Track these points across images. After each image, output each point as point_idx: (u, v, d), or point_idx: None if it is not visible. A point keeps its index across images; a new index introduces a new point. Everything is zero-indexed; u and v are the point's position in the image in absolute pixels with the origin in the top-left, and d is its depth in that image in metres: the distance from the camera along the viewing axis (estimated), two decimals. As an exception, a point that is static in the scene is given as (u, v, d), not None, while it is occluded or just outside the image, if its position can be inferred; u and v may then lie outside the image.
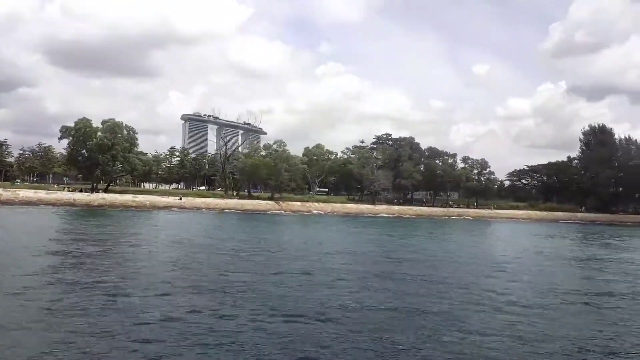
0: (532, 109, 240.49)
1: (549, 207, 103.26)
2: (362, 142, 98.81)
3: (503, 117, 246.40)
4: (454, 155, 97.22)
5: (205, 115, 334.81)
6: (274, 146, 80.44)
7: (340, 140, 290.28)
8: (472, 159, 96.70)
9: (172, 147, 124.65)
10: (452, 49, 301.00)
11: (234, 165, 79.11)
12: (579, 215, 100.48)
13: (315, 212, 75.61)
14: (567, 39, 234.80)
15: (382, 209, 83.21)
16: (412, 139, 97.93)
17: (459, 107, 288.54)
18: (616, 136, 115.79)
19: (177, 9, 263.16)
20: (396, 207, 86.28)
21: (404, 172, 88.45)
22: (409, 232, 46.44)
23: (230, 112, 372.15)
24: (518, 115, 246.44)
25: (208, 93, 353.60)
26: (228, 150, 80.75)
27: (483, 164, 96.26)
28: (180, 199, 70.10)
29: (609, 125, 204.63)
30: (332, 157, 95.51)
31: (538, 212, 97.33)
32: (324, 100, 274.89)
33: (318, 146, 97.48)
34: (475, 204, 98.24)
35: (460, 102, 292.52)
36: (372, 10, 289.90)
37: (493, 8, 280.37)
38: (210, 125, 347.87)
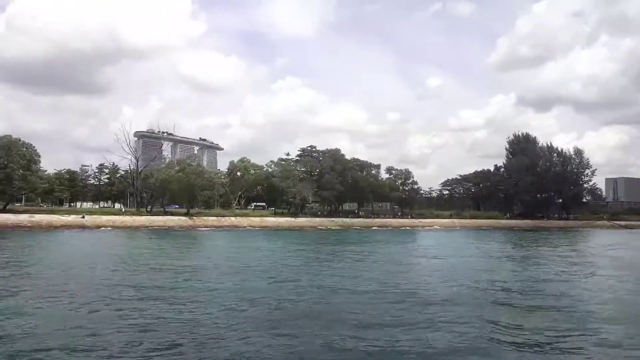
0: (484, 120, 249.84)
1: (473, 214, 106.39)
2: (287, 154, 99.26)
3: (456, 128, 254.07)
4: (377, 166, 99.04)
5: (159, 132, 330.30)
6: (188, 161, 79.57)
7: (297, 154, 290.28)
8: (396, 169, 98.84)
9: (100, 164, 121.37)
10: (404, 62, 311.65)
11: (146, 182, 77.55)
12: (503, 222, 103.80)
13: (228, 226, 74.84)
14: (512, 52, 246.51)
15: (302, 221, 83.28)
16: (337, 150, 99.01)
17: (413, 119, 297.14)
18: (540, 144, 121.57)
19: (127, 22, 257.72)
20: (317, 219, 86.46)
21: (326, 184, 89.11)
22: (311, 244, 46.40)
23: (186, 128, 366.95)
24: (471, 127, 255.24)
25: (162, 108, 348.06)
26: (142, 166, 78.96)
27: (407, 174, 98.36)
28: (83, 217, 67.86)
29: (557, 134, 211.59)
30: (257, 172, 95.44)
31: (462, 220, 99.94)
32: (280, 113, 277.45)
33: (242, 160, 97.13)
34: (400, 213, 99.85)
35: (414, 114, 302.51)
36: (325, 25, 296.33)
37: (441, 23, 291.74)
38: (165, 142, 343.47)
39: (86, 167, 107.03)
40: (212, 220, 76.84)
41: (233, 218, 79.58)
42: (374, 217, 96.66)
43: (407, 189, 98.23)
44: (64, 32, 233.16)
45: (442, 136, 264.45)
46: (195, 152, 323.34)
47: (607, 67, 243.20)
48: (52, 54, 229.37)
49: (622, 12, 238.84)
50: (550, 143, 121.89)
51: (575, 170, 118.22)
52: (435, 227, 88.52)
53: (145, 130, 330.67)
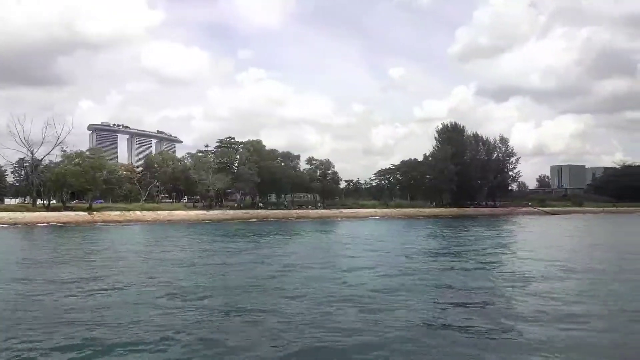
0: (447, 110, 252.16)
1: (398, 204, 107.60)
2: (206, 146, 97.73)
3: (421, 118, 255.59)
4: (297, 157, 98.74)
5: (114, 124, 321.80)
6: (87, 153, 77.06)
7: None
8: (316, 160, 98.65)
9: (20, 159, 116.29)
10: (369, 53, 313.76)
11: (44, 175, 74.64)
12: (427, 210, 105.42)
13: (132, 221, 73.02)
14: (472, 42, 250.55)
15: (214, 214, 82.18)
16: (258, 142, 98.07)
17: (378, 110, 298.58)
18: (467, 133, 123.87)
19: (82, 12, 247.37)
20: (231, 212, 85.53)
21: (242, 175, 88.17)
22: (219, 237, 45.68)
23: (148, 121, 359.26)
24: (435, 117, 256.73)
25: (122, 102, 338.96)
26: (39, 159, 75.86)
27: (327, 165, 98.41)
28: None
29: (516, 124, 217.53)
30: (174, 164, 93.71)
31: (385, 210, 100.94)
32: (246, 106, 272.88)
33: (159, 153, 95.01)
34: (321, 204, 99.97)
35: (379, 105, 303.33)
36: (288, 16, 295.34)
37: (403, 14, 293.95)
38: (120, 135, 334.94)
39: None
40: (114, 215, 74.75)
41: (139, 212, 77.60)
42: (297, 208, 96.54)
43: (328, 179, 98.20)
44: (16, 23, 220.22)
45: (406, 126, 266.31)
46: (153, 145, 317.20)
47: (563, 57, 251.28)
48: (4, 44, 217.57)
49: (576, 2, 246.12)
50: (476, 132, 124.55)
51: (500, 158, 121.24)
52: (354, 217, 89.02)
53: (100, 124, 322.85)
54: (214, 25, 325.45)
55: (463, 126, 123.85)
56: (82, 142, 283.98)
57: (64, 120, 75.12)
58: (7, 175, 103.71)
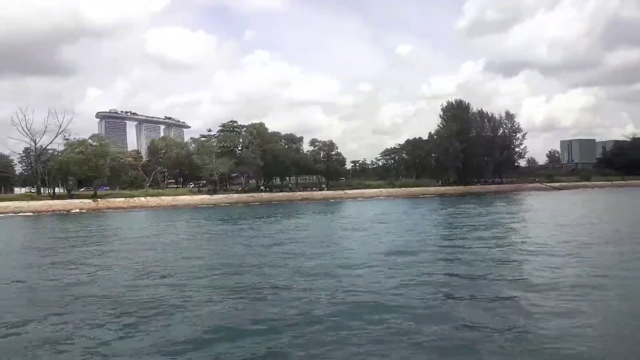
0: (456, 86, 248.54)
1: (404, 183, 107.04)
2: (209, 130, 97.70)
3: (429, 96, 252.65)
4: (300, 139, 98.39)
5: (122, 112, 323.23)
6: (89, 141, 77.39)
7: (271, 128, 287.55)
8: (320, 141, 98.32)
9: (26, 148, 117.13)
10: (374, 31, 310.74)
11: (47, 164, 75.22)
12: (432, 189, 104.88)
13: (136, 207, 73.55)
14: (479, 17, 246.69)
15: (218, 198, 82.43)
16: (262, 124, 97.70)
17: (386, 88, 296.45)
18: (473, 110, 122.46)
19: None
20: (235, 196, 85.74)
21: (245, 159, 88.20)
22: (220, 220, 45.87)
23: (155, 107, 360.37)
24: (443, 94, 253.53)
25: (130, 89, 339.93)
26: (43, 148, 76.25)
27: (330, 146, 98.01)
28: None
29: (526, 98, 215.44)
30: (178, 149, 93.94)
31: (390, 189, 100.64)
32: (253, 89, 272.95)
33: (163, 138, 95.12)
34: (324, 186, 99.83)
35: (386, 83, 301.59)
36: None
37: None
38: (128, 122, 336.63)
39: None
40: (119, 201, 75.32)
41: (143, 198, 78.16)
42: (302, 190, 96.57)
43: (332, 160, 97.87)
44: (20, 12, 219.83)
45: (415, 104, 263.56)
46: (161, 131, 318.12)
47: (572, 28, 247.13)
48: (8, 34, 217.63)
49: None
50: (481, 109, 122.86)
51: (506, 134, 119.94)
52: (356, 198, 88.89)
53: (108, 111, 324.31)
54: (217, 8, 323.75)
55: (468, 103, 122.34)
56: (91, 130, 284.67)
57: (65, 109, 75.42)
58: (15, 165, 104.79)
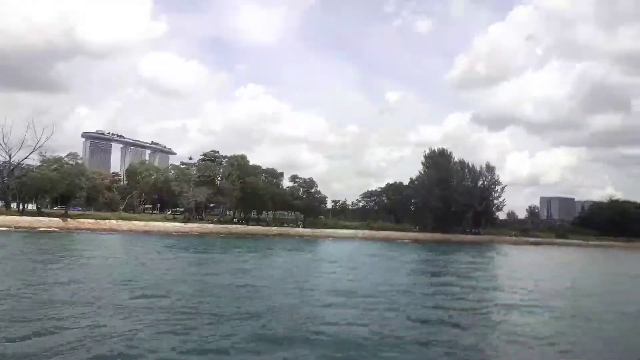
0: (442, 136, 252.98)
1: (381, 226, 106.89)
2: (190, 159, 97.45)
3: (415, 143, 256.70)
4: (281, 174, 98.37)
5: (109, 133, 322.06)
6: (66, 159, 76.44)
7: (257, 162, 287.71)
8: (300, 177, 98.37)
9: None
10: (366, 75, 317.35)
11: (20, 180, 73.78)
12: (409, 234, 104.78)
13: (105, 229, 72.13)
14: (470, 70, 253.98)
15: (191, 227, 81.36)
16: (243, 157, 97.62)
17: (374, 132, 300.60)
18: (454, 159, 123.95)
19: (83, 19, 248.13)
20: (210, 226, 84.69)
21: (223, 190, 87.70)
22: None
23: (143, 131, 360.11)
24: (429, 142, 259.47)
25: (118, 111, 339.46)
26: (17, 162, 74.89)
27: (310, 183, 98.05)
28: None
29: (511, 153, 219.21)
30: (156, 174, 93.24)
31: (366, 232, 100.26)
32: (241, 121, 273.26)
33: (142, 162, 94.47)
34: (301, 223, 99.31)
35: (374, 127, 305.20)
36: (288, 34, 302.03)
37: (401, 39, 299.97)
38: (114, 144, 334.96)
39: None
40: (89, 222, 73.89)
41: (114, 221, 76.78)
42: (278, 226, 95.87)
43: (311, 197, 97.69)
44: (16, 28, 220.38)
45: (401, 150, 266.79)
46: (147, 156, 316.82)
47: (557, 89, 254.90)
48: (3, 48, 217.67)
49: (572, 37, 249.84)
50: (462, 159, 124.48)
51: (485, 185, 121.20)
52: (330, 237, 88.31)
53: (94, 132, 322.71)
54: (214, 39, 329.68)
55: (450, 152, 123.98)
56: (76, 149, 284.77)
57: (45, 125, 73.95)
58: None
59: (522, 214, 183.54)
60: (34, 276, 21.45)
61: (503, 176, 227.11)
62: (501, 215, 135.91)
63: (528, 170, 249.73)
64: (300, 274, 27.85)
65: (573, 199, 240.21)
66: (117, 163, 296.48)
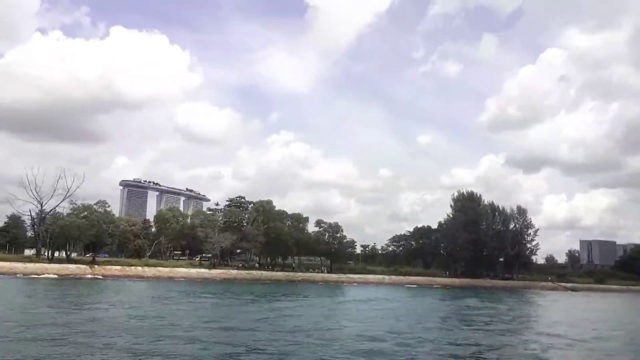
0: (475, 178, 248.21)
1: (409, 271, 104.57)
2: (217, 204, 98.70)
3: (448, 186, 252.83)
4: (306, 219, 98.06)
5: (145, 181, 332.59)
6: (95, 206, 78.49)
7: (289, 207, 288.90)
8: (325, 222, 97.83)
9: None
10: (396, 119, 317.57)
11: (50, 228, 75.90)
12: (438, 279, 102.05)
13: (132, 276, 72.82)
14: (501, 113, 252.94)
15: (215, 273, 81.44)
16: (269, 202, 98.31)
17: (405, 176, 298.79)
18: (484, 202, 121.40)
19: (123, 73, 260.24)
20: (234, 272, 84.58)
21: (248, 235, 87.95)
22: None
23: (178, 178, 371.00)
24: (462, 185, 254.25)
25: (155, 159, 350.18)
26: (48, 211, 77.40)
27: (335, 228, 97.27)
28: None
29: (547, 195, 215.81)
30: (183, 221, 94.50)
31: (394, 277, 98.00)
32: (273, 167, 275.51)
33: (171, 209, 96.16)
34: (325, 268, 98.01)
35: (406, 171, 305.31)
36: (318, 81, 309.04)
37: (431, 83, 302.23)
38: (150, 192, 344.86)
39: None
40: (115, 269, 74.85)
41: (140, 268, 77.58)
42: (303, 271, 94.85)
43: (335, 242, 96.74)
44: (59, 81, 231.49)
45: (434, 194, 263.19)
46: (181, 202, 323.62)
47: (593, 130, 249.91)
48: (47, 102, 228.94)
49: (606, 77, 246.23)
50: (492, 201, 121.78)
51: (517, 229, 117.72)
52: (354, 283, 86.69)
53: (131, 180, 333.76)
54: (247, 88, 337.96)
55: (480, 195, 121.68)
56: (114, 197, 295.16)
57: (75, 174, 76.15)
58: (28, 226, 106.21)
59: (561, 258, 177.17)
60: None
61: (540, 219, 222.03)
62: (539, 259, 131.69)
63: (566, 213, 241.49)
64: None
65: (614, 242, 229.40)
66: (152, 210, 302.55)
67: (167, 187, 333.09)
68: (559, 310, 48.91)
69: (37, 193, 73.08)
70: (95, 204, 79.36)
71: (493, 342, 22.04)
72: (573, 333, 26.73)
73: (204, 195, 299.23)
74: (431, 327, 27.11)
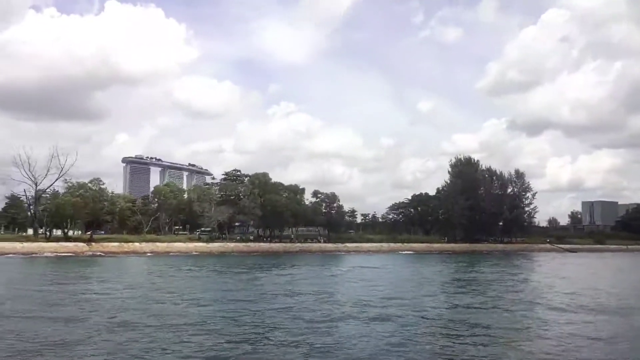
0: (478, 144, 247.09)
1: (407, 238, 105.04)
2: (213, 179, 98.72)
3: (451, 152, 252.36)
4: (302, 190, 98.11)
5: (147, 157, 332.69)
6: (89, 185, 78.51)
7: (291, 179, 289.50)
8: (322, 193, 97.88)
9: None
10: (396, 87, 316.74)
11: (45, 207, 76.21)
12: (436, 246, 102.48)
13: (128, 252, 73.37)
14: (502, 77, 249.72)
15: (213, 246, 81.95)
16: (265, 174, 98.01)
17: (407, 144, 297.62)
18: (481, 167, 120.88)
19: (120, 49, 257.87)
20: (232, 245, 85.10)
21: (244, 208, 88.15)
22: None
23: (179, 153, 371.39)
24: (465, 151, 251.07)
25: (156, 135, 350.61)
26: (43, 190, 77.41)
27: (332, 198, 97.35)
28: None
29: (550, 158, 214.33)
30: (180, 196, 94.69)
31: (392, 244, 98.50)
32: (275, 139, 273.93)
33: (168, 184, 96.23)
34: (323, 239, 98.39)
35: (408, 139, 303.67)
36: (317, 52, 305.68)
37: (431, 49, 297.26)
38: (152, 168, 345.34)
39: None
40: (112, 246, 75.36)
41: (137, 244, 78.06)
42: (302, 242, 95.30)
43: (333, 212, 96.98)
44: (56, 59, 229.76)
45: (436, 160, 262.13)
46: (184, 177, 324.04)
47: (595, 91, 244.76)
48: (43, 80, 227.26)
49: (607, 37, 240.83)
50: (490, 166, 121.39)
51: (515, 193, 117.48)
52: (351, 252, 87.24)
53: (133, 156, 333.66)
54: (245, 60, 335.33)
55: (477, 160, 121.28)
56: (117, 174, 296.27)
57: (68, 152, 75.34)
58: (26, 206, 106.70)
59: (564, 221, 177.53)
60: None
61: (544, 182, 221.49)
62: (542, 222, 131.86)
63: (569, 175, 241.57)
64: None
65: (616, 203, 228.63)
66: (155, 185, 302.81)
67: (169, 163, 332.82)
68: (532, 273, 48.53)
69: (31, 173, 73.00)
70: (90, 182, 79.40)
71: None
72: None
73: (207, 170, 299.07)
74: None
